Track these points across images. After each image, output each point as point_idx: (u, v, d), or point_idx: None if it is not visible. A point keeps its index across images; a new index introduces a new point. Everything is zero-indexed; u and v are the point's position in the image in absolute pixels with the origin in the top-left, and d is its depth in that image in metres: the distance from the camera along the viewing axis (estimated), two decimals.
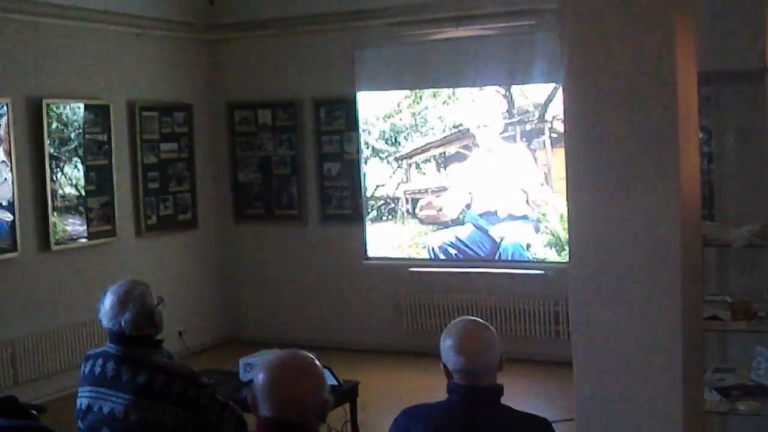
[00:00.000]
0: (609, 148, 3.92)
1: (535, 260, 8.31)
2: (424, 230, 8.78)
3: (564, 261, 8.10)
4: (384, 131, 8.83)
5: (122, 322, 3.74)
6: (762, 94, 6.16)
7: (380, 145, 8.86)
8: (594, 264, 3.96)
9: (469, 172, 8.53)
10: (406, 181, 8.81)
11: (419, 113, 8.70)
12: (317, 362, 2.78)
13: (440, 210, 8.65)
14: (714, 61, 6.67)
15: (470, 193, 8.55)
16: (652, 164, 3.84)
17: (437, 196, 8.67)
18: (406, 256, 8.86)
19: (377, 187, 8.92)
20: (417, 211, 8.78)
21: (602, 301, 3.96)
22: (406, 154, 8.78)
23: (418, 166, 8.75)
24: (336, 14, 8.91)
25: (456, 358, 3.08)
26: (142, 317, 3.77)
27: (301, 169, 9.27)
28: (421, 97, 8.69)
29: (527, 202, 8.28)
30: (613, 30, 3.92)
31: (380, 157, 8.88)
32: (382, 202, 8.91)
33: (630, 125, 3.88)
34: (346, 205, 9.09)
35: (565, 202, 4.19)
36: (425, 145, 8.68)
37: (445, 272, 8.72)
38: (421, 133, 8.70)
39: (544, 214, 8.20)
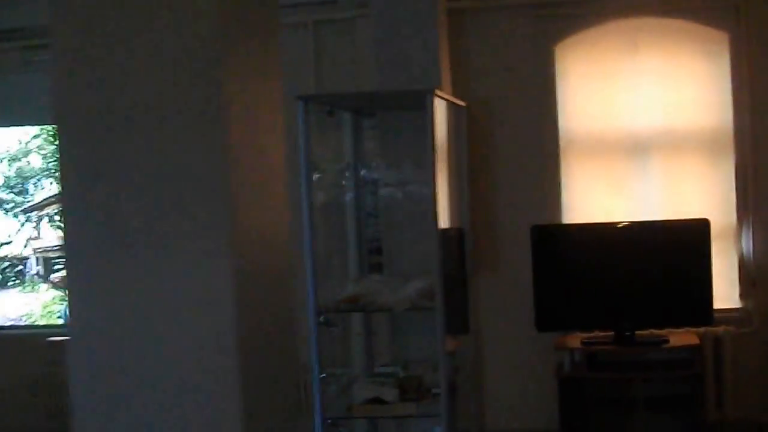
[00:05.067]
0: (128, 197, 3.18)
1: None
2: (60, 296, 7.83)
3: None
4: (9, 177, 7.92)
5: None
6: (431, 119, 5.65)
7: (4, 194, 7.91)
8: (99, 350, 3.13)
9: None
10: (37, 238, 7.93)
11: (52, 155, 7.85)
12: None
13: None
14: (383, 82, 6.16)
15: None
16: (192, 213, 3.17)
17: None
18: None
19: (1, 245, 7.94)
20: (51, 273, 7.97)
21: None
22: (37, 204, 7.95)
23: (51, 218, 7.86)
24: None
25: None
26: None
27: None
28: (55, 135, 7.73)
29: None
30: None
31: (5, 210, 7.88)
32: (8, 263, 7.95)
33: (166, 165, 3.16)
34: None
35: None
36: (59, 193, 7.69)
37: None
38: (55, 178, 7.80)
39: None
